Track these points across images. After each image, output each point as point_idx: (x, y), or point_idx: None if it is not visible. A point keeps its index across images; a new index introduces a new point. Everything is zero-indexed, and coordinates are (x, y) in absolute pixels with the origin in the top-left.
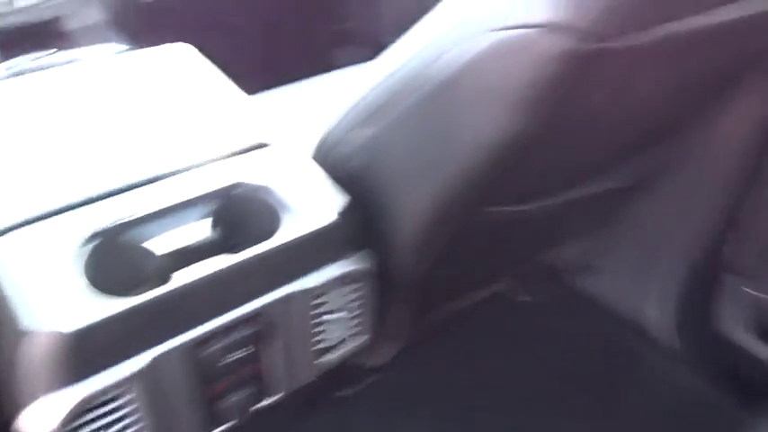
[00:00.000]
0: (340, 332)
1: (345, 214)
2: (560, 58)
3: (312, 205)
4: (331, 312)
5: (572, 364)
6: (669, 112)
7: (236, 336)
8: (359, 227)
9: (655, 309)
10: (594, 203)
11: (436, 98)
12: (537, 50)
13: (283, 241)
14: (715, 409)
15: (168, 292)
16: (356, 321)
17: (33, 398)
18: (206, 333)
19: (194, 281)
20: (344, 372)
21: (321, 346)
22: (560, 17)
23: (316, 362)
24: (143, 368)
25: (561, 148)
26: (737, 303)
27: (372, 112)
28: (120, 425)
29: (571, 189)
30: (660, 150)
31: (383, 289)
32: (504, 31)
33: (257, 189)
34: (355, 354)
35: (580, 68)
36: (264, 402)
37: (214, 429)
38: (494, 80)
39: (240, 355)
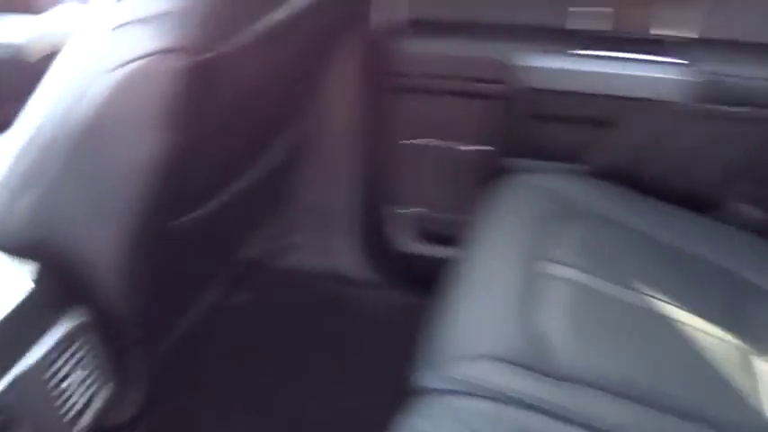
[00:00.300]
0: (86, 391)
1: (39, 281)
2: (179, 75)
3: None
4: (68, 377)
5: (306, 335)
6: (287, 90)
7: None
8: (62, 287)
9: (348, 254)
10: (265, 186)
11: (87, 144)
12: (158, 74)
13: None
14: (412, 310)
15: None
16: (96, 375)
17: None
18: None
19: None
20: None
21: (73, 412)
22: (168, 42)
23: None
24: None
25: (215, 149)
26: (403, 224)
27: (29, 179)
28: None
29: (239, 180)
30: (300, 125)
31: (112, 335)
32: (121, 69)
33: None
34: (108, 408)
35: (198, 79)
36: None
37: None
38: (131, 110)
39: None
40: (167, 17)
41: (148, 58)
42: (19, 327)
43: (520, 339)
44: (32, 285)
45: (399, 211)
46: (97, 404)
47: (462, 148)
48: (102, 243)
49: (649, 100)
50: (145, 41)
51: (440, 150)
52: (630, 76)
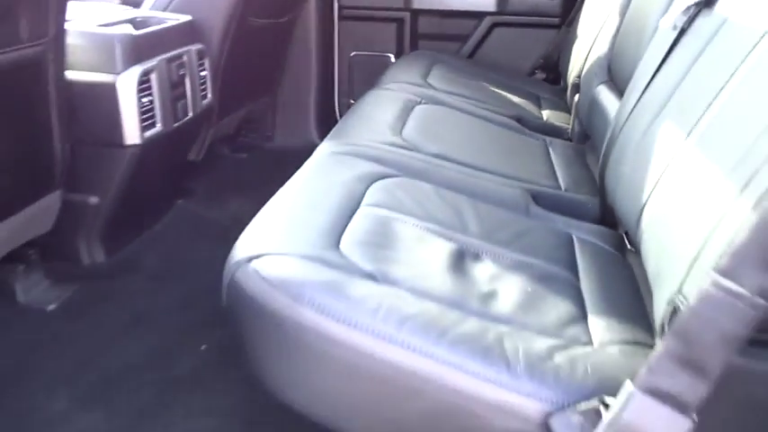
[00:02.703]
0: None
1: None
2: None
3: None
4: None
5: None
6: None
7: (177, 65)
8: None
9: (315, 130)
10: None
11: None
12: None
13: None
14: None
15: None
16: (206, 84)
17: None
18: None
19: None
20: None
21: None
22: None
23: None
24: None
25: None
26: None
27: None
28: None
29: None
30: (289, 39)
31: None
32: None
33: None
34: (206, 114)
35: None
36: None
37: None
38: None
39: (182, 76)
40: None
41: None
42: None
43: (396, 138)
44: None
45: (349, 101)
46: (207, 101)
47: (387, 54)
48: (214, 19)
49: (483, 12)
50: None
51: (372, 58)
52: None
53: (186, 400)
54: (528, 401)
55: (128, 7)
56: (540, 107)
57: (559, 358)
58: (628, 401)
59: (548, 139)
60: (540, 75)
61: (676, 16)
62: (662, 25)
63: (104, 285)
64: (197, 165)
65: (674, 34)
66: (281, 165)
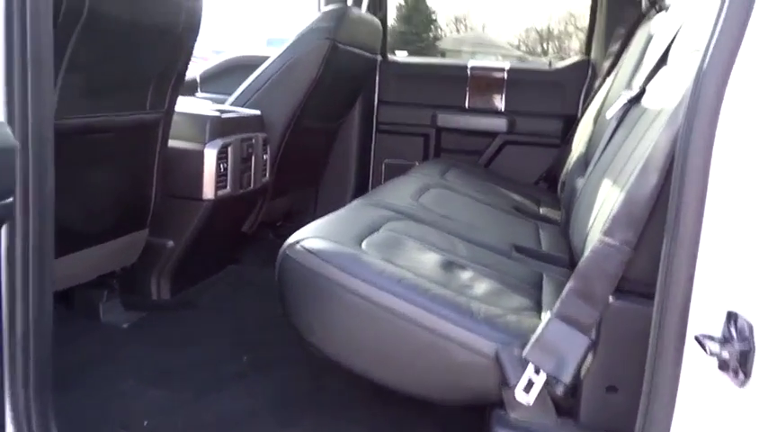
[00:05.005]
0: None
1: None
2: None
3: None
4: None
5: None
6: (340, 108)
7: (247, 145)
8: None
9: None
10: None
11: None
12: (316, 54)
13: None
14: None
15: None
16: (266, 166)
17: None
18: (242, 138)
19: None
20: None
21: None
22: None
23: (261, 179)
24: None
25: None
26: None
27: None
28: None
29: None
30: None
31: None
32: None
33: None
34: (262, 190)
35: (330, 56)
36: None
37: (240, 190)
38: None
39: (250, 154)
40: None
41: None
42: None
43: (413, 205)
44: None
45: None
46: (263, 182)
47: (413, 162)
48: (280, 118)
49: (496, 132)
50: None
51: (401, 165)
52: (488, 122)
53: (232, 388)
54: (484, 340)
55: (214, 104)
56: (538, 205)
57: (511, 317)
58: (548, 324)
59: (539, 222)
60: (543, 185)
61: (616, 110)
62: (607, 115)
63: (167, 315)
64: (247, 238)
65: (615, 124)
66: None
